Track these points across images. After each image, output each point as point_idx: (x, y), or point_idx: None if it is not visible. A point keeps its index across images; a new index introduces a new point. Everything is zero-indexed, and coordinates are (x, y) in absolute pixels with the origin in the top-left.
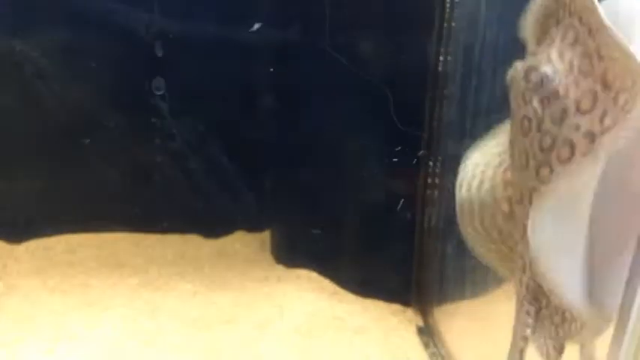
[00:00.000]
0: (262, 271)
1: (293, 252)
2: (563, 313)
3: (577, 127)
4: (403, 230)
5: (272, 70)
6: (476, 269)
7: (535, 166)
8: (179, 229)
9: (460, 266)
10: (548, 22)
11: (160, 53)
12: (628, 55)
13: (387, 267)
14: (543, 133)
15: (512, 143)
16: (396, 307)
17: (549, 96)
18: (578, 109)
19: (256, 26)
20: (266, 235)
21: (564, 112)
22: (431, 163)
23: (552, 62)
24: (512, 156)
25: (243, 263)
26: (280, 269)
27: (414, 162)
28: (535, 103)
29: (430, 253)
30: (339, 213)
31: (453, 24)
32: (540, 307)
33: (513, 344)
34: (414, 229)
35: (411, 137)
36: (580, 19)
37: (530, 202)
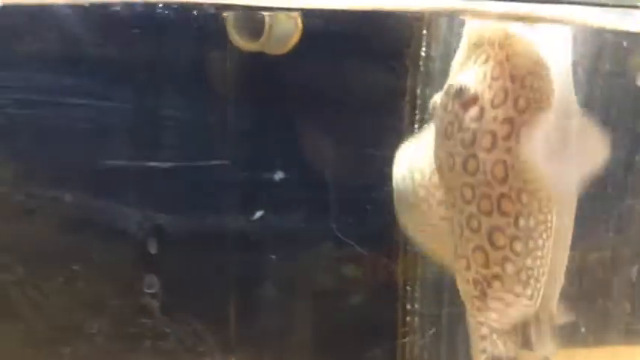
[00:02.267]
0: None
1: None
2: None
3: (495, 118)
4: None
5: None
6: None
7: (462, 161)
8: None
9: None
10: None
11: (152, 250)
12: (530, 43)
13: None
14: (464, 131)
15: (436, 153)
16: None
17: (468, 100)
18: (492, 105)
19: (258, 214)
20: None
21: (482, 110)
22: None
23: (468, 76)
24: (439, 165)
25: None
26: None
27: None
28: (456, 107)
29: None
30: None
31: None
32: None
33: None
34: None
35: None
36: (493, 44)
37: (465, 201)
